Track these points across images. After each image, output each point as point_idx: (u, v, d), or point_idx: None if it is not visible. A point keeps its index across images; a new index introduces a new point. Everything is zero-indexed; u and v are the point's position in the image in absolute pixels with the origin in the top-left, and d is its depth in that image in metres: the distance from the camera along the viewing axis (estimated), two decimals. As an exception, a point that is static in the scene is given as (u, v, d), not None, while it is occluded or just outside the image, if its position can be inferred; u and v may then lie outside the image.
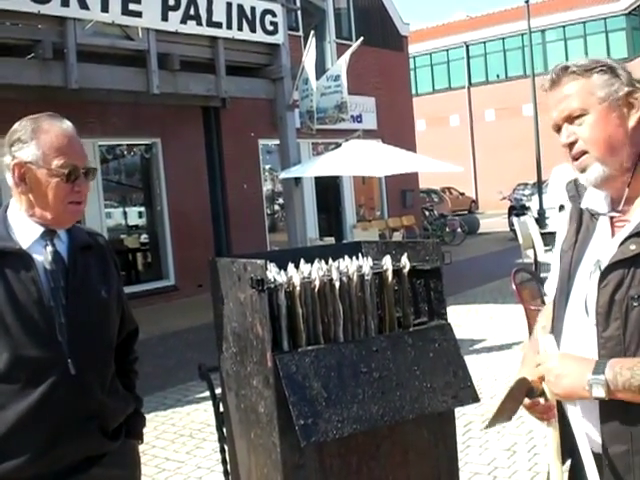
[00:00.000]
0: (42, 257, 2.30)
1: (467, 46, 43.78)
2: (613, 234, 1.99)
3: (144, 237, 16.01)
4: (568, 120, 1.98)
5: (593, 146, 1.94)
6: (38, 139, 2.28)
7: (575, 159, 1.99)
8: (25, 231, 2.31)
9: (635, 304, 1.86)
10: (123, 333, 2.62)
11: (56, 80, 10.34)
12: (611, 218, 2.02)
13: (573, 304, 2.05)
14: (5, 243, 2.27)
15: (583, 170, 1.98)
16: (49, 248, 2.31)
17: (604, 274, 1.92)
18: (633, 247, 1.88)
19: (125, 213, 15.83)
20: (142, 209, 16.10)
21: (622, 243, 1.91)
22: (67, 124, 2.35)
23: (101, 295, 2.40)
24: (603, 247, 1.99)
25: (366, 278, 2.49)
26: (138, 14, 10.86)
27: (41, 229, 2.32)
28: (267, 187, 18.66)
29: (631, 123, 1.95)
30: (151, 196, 15.90)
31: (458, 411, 2.63)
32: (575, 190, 2.15)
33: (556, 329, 2.10)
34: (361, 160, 12.58)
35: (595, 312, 1.92)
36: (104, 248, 2.55)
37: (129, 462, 2.55)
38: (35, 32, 10.14)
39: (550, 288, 2.31)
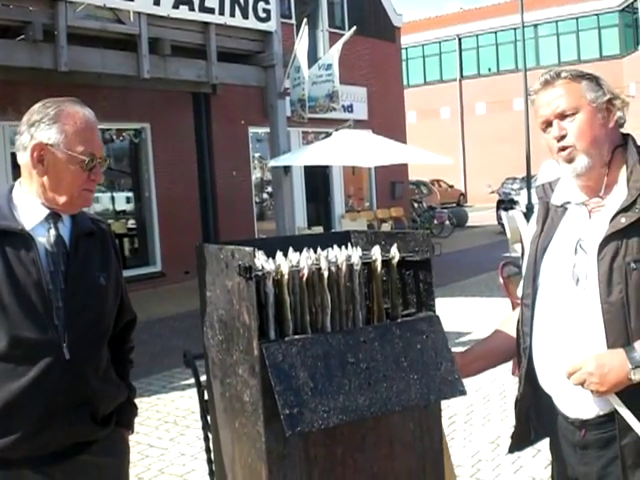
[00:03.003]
0: (44, 239, 2.28)
1: (459, 39, 43.76)
2: (590, 217, 2.31)
3: (131, 222, 15.95)
4: (560, 117, 2.27)
5: (581, 140, 2.24)
6: (61, 123, 2.25)
7: (562, 150, 2.27)
8: (30, 212, 2.29)
9: (634, 266, 2.15)
10: (121, 322, 2.60)
11: (46, 62, 10.26)
12: (586, 204, 2.33)
13: (549, 280, 2.35)
14: (8, 223, 2.25)
15: (570, 160, 2.26)
16: (52, 231, 2.30)
17: (600, 247, 2.19)
18: (623, 220, 2.17)
19: (113, 198, 15.75)
20: (130, 194, 16.03)
21: (613, 218, 2.20)
22: (90, 111, 2.34)
23: (99, 282, 2.38)
24: (582, 228, 2.30)
25: (355, 268, 2.46)
26: (130, -3, 10.79)
27: (46, 212, 2.31)
28: (256, 175, 18.62)
29: (610, 124, 2.29)
30: (139, 181, 15.83)
31: (442, 403, 2.62)
32: (543, 192, 2.51)
33: (526, 306, 2.43)
34: (351, 150, 12.56)
35: (597, 281, 2.18)
36: (106, 236, 2.53)
37: (118, 451, 2.53)
38: (26, 14, 10.06)
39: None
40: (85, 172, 2.27)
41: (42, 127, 2.25)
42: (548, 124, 2.30)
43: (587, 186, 2.32)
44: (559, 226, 2.39)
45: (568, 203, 2.39)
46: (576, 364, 2.18)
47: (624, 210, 2.18)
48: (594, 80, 2.28)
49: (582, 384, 2.17)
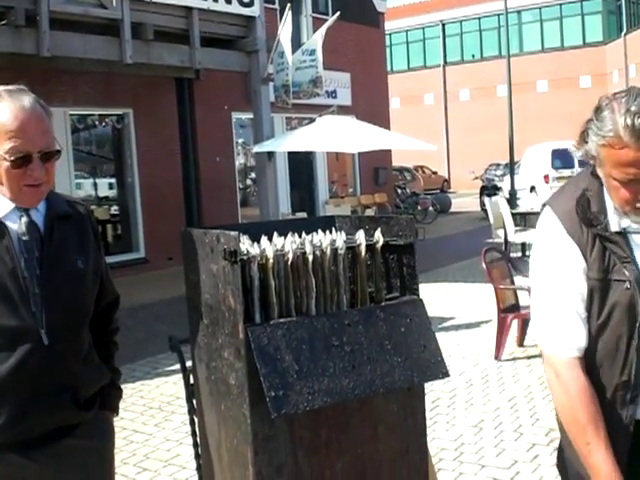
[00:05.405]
0: (16, 226, 2.26)
1: (443, 25, 43.74)
2: None
3: (114, 209, 15.87)
4: None
5: None
6: None
7: None
8: (1, 201, 2.27)
9: None
10: (102, 303, 2.57)
11: (28, 47, 10.18)
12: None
13: None
14: None
15: None
16: (24, 218, 2.27)
17: None
18: None
19: (95, 184, 15.67)
20: (113, 180, 15.96)
21: None
22: (27, 102, 2.20)
23: (77, 266, 2.35)
24: None
25: (339, 252, 2.48)
26: (112, -18, 10.72)
27: (13, 204, 2.28)
28: (240, 161, 18.57)
29: None
30: (122, 167, 15.75)
31: (426, 387, 2.65)
32: (589, 222, 2.15)
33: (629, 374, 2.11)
34: (335, 136, 12.54)
35: None
36: (84, 218, 2.48)
37: (102, 433, 2.53)
38: (8, -2, 9.97)
39: (577, 335, 2.16)
40: (18, 170, 2.18)
41: None
42: (629, 181, 2.02)
43: None
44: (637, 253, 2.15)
45: (629, 227, 2.15)
46: None
47: None
48: None
49: None
